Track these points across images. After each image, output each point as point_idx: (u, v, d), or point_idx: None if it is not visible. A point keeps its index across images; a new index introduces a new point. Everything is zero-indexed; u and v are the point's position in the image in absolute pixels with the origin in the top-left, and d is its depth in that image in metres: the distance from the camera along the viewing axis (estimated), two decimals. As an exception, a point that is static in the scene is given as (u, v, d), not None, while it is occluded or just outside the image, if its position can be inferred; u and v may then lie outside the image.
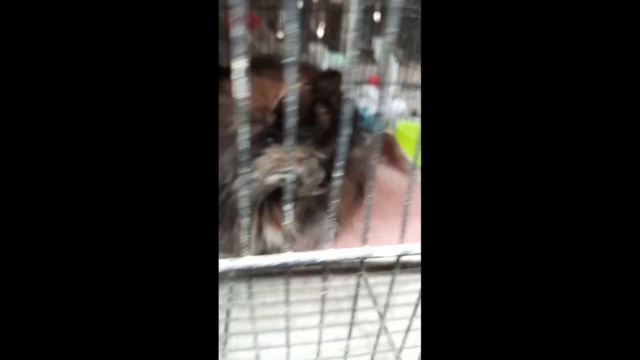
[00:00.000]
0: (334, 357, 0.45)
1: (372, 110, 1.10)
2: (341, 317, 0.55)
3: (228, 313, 0.54)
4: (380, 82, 1.20)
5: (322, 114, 0.54)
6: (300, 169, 0.55)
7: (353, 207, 0.70)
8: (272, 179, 0.53)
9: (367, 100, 1.12)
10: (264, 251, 0.61)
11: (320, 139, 0.55)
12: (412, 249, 0.27)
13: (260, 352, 0.35)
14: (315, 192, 0.58)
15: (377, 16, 1.06)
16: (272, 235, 0.59)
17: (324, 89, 0.58)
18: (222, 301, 0.55)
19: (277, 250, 0.61)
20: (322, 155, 0.56)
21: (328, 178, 0.55)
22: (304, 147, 0.55)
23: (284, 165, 0.53)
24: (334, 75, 0.59)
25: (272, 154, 0.52)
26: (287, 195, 0.23)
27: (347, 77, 0.20)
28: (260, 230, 0.59)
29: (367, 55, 1.20)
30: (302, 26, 1.19)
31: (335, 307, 0.57)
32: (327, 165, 0.57)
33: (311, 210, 0.61)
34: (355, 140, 0.78)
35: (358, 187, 0.72)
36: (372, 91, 1.13)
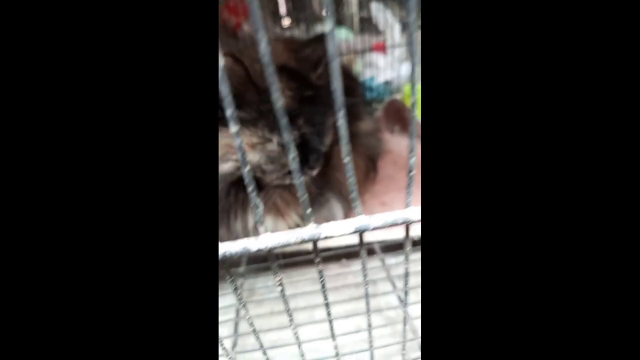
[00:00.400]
0: (358, 351, 0.41)
1: (380, 78, 1.02)
2: (361, 304, 0.50)
3: (238, 312, 0.51)
4: (384, 48, 1.13)
5: (285, 90, 0.46)
6: (255, 156, 0.48)
7: (365, 183, 0.65)
8: (226, 167, 0.48)
9: (374, 68, 1.04)
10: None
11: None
12: (413, 215, 0.21)
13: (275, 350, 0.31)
14: (283, 181, 0.50)
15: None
16: (272, 223, 0.55)
17: (307, 58, 0.52)
18: (232, 300, 0.52)
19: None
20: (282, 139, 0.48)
21: (306, 162, 0.48)
22: (254, 130, 0.47)
23: (233, 152, 0.47)
24: (319, 40, 0.53)
25: (220, 139, 0.46)
26: (249, 186, 0.19)
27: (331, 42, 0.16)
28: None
29: (367, 22, 1.12)
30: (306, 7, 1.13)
31: (355, 294, 0.52)
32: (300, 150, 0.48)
33: (313, 193, 0.56)
34: (359, 113, 0.71)
35: (369, 161, 0.67)
36: (377, 58, 1.05)
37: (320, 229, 0.20)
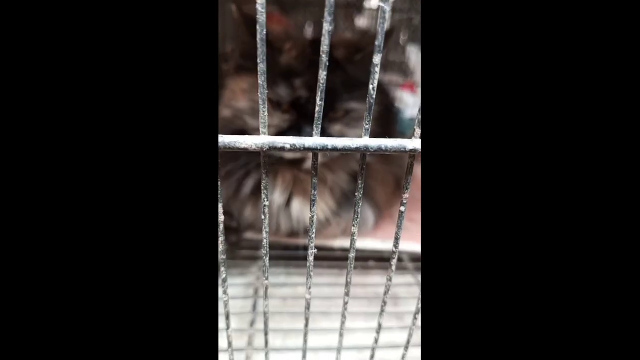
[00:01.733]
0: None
1: (407, 114, 1.05)
2: (396, 321, 0.46)
3: (256, 291, 0.46)
4: (414, 88, 1.17)
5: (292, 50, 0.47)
6: (243, 104, 0.47)
7: (393, 199, 0.63)
8: (225, 112, 0.48)
9: (402, 105, 1.07)
10: (292, 231, 0.53)
11: (289, 76, 0.45)
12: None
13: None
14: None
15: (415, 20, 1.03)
16: (300, 209, 0.52)
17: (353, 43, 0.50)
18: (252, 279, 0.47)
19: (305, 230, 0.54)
20: (282, 93, 0.45)
21: (297, 129, 0.45)
22: (248, 77, 0.47)
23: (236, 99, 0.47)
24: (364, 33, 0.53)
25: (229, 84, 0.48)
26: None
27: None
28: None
29: (401, 65, 1.17)
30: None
31: (392, 310, 0.48)
32: (293, 112, 0.46)
33: (347, 194, 0.54)
34: (393, 132, 0.72)
35: (397, 180, 0.66)
36: (406, 96, 1.08)
37: (326, 140, 0.19)
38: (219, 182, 0.20)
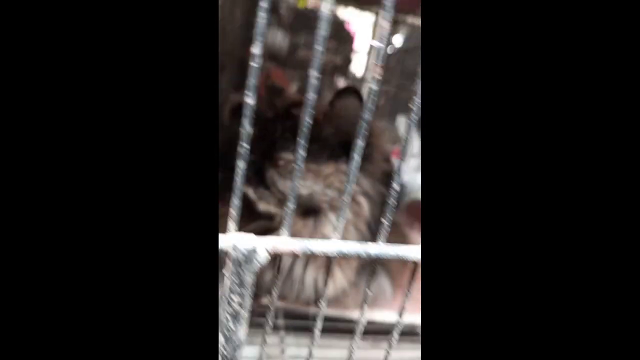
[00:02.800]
0: None
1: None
2: None
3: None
4: (401, 155, 1.24)
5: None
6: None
7: (404, 268, 0.65)
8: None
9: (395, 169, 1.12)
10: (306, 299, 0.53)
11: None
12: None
13: None
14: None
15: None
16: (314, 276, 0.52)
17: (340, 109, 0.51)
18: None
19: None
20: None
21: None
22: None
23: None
24: (351, 92, 0.51)
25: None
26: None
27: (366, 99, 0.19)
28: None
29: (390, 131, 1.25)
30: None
31: None
32: None
33: (364, 265, 0.55)
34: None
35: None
36: (395, 162, 1.14)
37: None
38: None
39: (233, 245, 0.21)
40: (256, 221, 0.52)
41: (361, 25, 1.70)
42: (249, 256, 0.21)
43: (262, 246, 0.21)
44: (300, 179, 0.47)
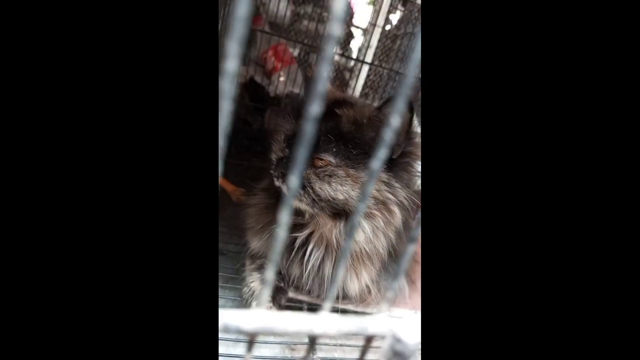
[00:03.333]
0: None
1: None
2: None
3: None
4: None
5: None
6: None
7: (416, 265, 0.68)
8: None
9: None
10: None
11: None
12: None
13: None
14: None
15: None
16: (354, 283, 0.54)
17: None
18: None
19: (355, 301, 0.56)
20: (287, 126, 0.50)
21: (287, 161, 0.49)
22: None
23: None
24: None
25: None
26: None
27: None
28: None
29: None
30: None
31: None
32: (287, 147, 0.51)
33: (386, 264, 0.58)
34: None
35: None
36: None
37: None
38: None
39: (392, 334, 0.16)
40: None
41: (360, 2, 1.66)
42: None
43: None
44: (338, 184, 0.48)
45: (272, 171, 0.51)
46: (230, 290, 0.60)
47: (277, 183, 0.50)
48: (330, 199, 0.48)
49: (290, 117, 0.51)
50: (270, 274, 0.15)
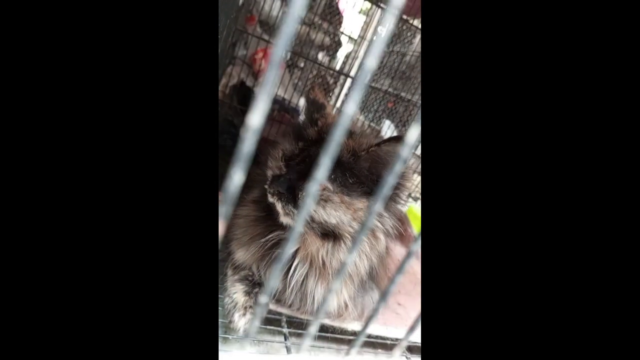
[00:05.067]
0: None
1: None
2: None
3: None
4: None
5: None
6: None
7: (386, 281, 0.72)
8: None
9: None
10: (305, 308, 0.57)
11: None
12: None
13: None
14: None
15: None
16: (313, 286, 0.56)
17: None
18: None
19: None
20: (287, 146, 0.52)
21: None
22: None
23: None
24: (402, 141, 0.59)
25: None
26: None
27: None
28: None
29: (373, 133, 1.30)
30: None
31: None
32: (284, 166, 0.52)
33: (363, 282, 0.61)
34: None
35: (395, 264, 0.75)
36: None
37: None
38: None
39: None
40: (275, 231, 0.55)
41: (350, 7, 1.68)
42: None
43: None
44: (333, 209, 0.50)
45: (267, 187, 0.52)
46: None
47: (272, 200, 0.52)
48: (323, 222, 0.50)
49: (291, 137, 0.53)
50: (264, 298, 0.18)
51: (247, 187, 0.64)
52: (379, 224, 0.52)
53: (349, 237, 0.53)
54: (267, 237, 0.54)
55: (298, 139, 0.53)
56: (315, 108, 0.55)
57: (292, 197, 0.51)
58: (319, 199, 0.50)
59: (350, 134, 0.53)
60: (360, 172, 0.50)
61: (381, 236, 0.53)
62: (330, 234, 0.53)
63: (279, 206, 0.52)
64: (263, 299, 0.17)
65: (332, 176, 0.50)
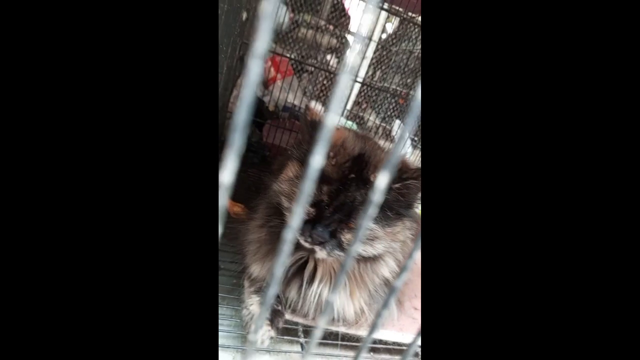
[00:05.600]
0: None
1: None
2: None
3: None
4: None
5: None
6: (283, 185, 0.55)
7: (405, 288, 0.72)
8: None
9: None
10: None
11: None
12: None
13: None
14: None
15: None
16: (340, 301, 0.57)
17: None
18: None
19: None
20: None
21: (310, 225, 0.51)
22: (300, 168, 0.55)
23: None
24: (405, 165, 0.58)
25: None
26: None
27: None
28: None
29: (385, 132, 1.30)
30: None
31: None
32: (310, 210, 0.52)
33: (377, 290, 0.62)
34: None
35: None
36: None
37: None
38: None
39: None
40: (296, 252, 0.56)
41: (356, 9, 1.68)
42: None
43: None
44: (379, 243, 0.52)
45: (300, 236, 0.51)
46: (226, 308, 0.62)
47: (306, 244, 0.52)
48: (372, 255, 0.53)
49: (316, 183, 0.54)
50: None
51: (254, 190, 0.67)
52: (409, 235, 0.55)
53: (388, 255, 0.56)
54: (293, 258, 0.56)
55: (322, 183, 0.51)
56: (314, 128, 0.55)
57: (337, 243, 0.51)
58: (366, 239, 0.51)
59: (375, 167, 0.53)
60: (395, 202, 0.52)
61: (409, 242, 0.55)
62: (370, 258, 0.55)
63: (322, 253, 0.52)
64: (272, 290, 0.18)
65: (376, 217, 0.51)
